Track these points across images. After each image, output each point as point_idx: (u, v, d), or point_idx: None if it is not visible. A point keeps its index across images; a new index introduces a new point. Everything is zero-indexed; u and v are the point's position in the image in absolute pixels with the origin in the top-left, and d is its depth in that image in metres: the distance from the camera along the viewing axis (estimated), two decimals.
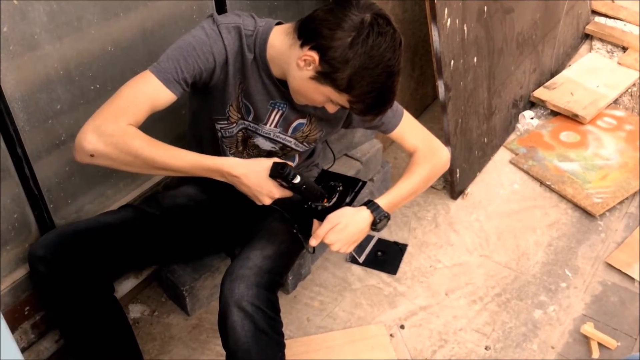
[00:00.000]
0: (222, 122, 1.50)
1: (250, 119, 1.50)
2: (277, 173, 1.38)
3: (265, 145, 1.57)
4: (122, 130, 1.29)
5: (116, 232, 1.53)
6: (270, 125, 1.53)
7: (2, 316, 0.78)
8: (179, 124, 1.81)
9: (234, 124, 1.51)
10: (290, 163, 1.43)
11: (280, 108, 1.50)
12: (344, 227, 1.48)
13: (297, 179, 1.40)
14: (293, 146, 1.60)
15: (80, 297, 1.47)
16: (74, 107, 1.52)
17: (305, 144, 1.60)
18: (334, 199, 1.55)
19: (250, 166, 1.40)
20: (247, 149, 1.58)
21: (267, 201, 1.43)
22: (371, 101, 1.33)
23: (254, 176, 1.39)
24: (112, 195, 1.74)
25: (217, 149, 1.58)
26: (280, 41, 1.38)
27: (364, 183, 1.59)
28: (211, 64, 1.37)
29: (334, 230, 1.47)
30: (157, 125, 1.76)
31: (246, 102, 1.47)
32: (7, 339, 0.78)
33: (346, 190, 1.56)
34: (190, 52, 1.34)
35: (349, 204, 1.53)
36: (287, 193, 1.44)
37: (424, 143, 1.67)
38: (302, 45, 1.32)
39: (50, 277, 1.43)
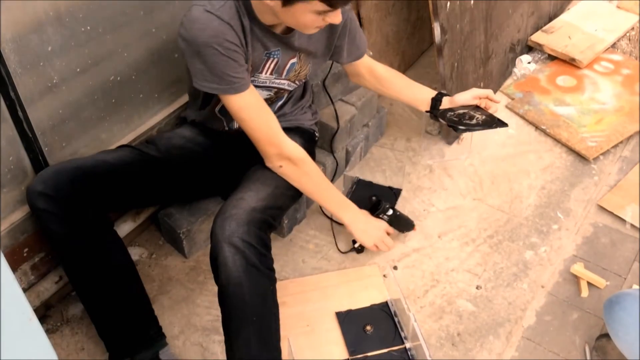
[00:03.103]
0: None
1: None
2: (374, 209, 1.86)
3: (262, 94, 1.60)
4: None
5: (114, 169, 1.56)
6: (265, 74, 1.58)
7: (2, 255, 0.79)
8: (175, 67, 1.80)
9: None
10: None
11: (274, 56, 1.56)
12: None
13: (390, 211, 1.87)
14: (286, 87, 1.67)
15: (82, 231, 1.50)
16: (66, 49, 1.51)
17: (296, 82, 1.67)
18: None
19: (365, 226, 1.81)
20: None
21: (384, 248, 1.84)
22: None
23: (366, 236, 1.81)
24: (107, 139, 1.74)
25: (213, 100, 1.64)
26: None
27: (398, 192, 2.06)
28: (239, 49, 1.44)
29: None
30: (151, 70, 1.76)
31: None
32: (9, 279, 0.80)
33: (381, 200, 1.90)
34: (221, 56, 1.41)
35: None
36: (390, 231, 1.88)
37: None
38: None
39: (49, 212, 1.46)
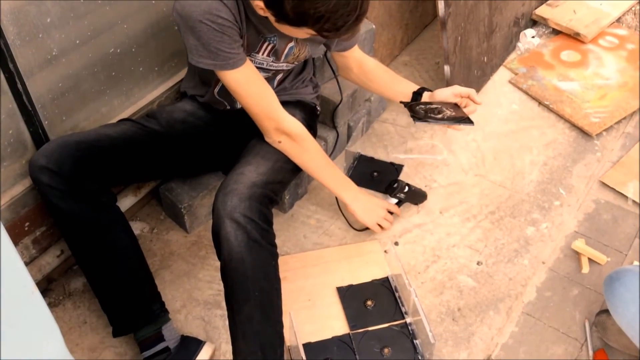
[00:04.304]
0: None
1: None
2: (392, 189, 1.87)
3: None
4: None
5: (116, 143, 1.56)
6: (262, 55, 1.57)
7: (2, 228, 0.79)
8: (175, 40, 1.78)
9: None
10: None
11: (270, 41, 1.55)
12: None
13: (407, 188, 1.88)
14: (284, 68, 1.67)
15: (85, 205, 1.50)
16: (65, 21, 1.49)
17: (296, 62, 1.67)
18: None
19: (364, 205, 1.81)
20: None
21: (387, 225, 1.86)
22: (330, 23, 1.30)
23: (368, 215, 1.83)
24: (107, 112, 1.73)
25: (211, 77, 1.63)
26: None
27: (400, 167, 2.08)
28: (234, 25, 1.43)
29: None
30: (151, 43, 1.74)
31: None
32: (10, 253, 0.80)
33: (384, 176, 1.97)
34: (215, 32, 1.40)
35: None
36: (396, 211, 1.90)
37: None
38: None
39: (52, 186, 1.45)
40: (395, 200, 1.91)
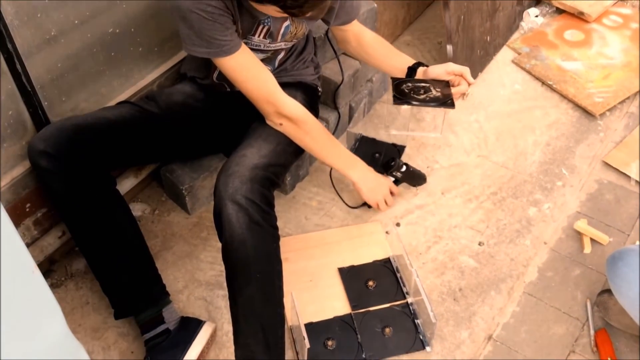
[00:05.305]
0: None
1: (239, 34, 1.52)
2: (388, 167, 1.85)
3: (258, 57, 1.58)
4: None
5: (115, 127, 1.56)
6: (258, 37, 1.57)
7: (3, 209, 0.79)
8: (173, 21, 1.76)
9: None
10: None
11: (265, 24, 1.54)
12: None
13: (404, 167, 1.86)
14: (283, 47, 1.65)
15: (84, 189, 1.49)
16: (63, 0, 1.47)
17: (295, 40, 1.65)
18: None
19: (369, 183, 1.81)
20: None
21: (384, 207, 1.85)
22: (292, 0, 1.29)
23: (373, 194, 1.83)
24: (107, 93, 1.72)
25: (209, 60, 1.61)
26: None
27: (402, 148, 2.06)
28: (225, 13, 1.42)
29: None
30: (150, 23, 1.73)
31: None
32: (11, 233, 0.79)
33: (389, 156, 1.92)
34: (206, 21, 1.40)
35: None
36: (395, 190, 1.88)
37: None
38: None
39: (51, 171, 1.45)
40: (391, 179, 1.90)
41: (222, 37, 1.43)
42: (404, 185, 1.95)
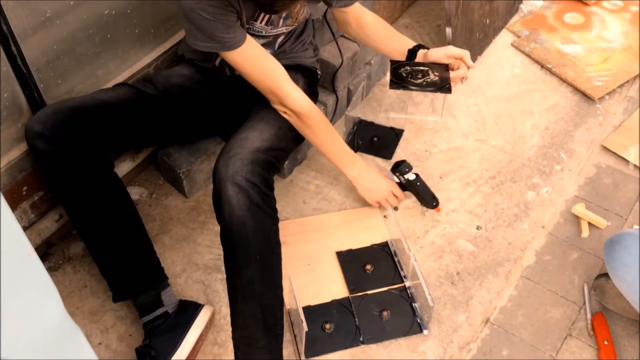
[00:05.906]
0: None
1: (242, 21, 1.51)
2: (396, 165, 1.81)
3: (259, 42, 1.58)
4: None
5: (112, 109, 1.55)
6: (260, 23, 1.56)
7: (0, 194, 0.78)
8: (171, 2, 1.75)
9: None
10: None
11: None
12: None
13: (413, 176, 1.81)
14: (284, 31, 1.65)
15: (82, 171, 1.49)
16: None
17: (295, 24, 1.65)
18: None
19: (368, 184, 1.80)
20: None
21: (387, 204, 1.84)
22: None
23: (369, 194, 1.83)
24: (103, 76, 1.70)
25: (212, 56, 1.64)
26: None
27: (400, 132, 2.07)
28: (227, 10, 1.41)
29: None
30: (146, 4, 1.71)
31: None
32: (7, 216, 0.79)
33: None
34: (208, 20, 1.40)
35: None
36: (399, 195, 1.85)
37: None
38: None
39: (49, 153, 1.44)
40: (396, 180, 1.86)
41: (224, 35, 1.43)
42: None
